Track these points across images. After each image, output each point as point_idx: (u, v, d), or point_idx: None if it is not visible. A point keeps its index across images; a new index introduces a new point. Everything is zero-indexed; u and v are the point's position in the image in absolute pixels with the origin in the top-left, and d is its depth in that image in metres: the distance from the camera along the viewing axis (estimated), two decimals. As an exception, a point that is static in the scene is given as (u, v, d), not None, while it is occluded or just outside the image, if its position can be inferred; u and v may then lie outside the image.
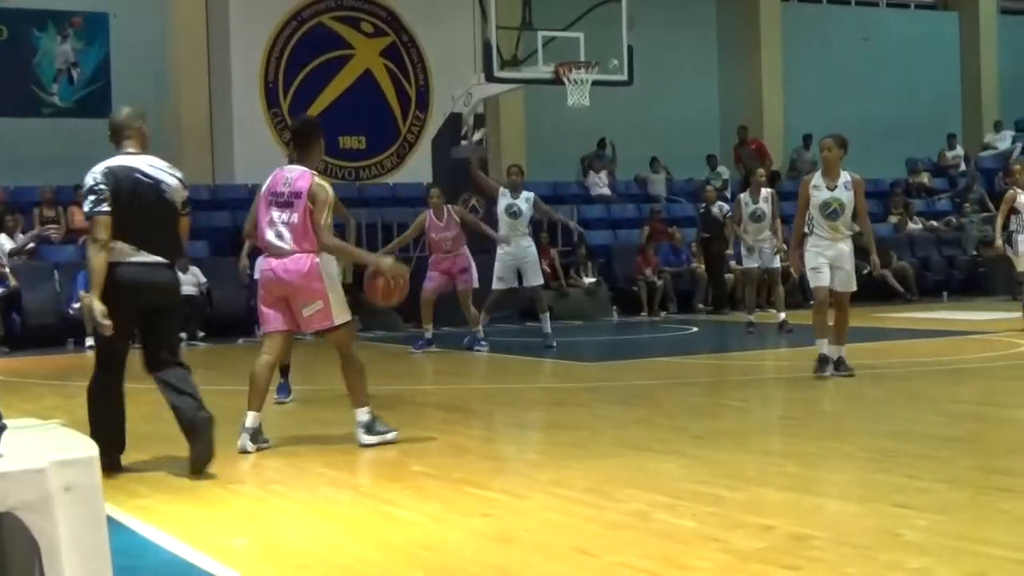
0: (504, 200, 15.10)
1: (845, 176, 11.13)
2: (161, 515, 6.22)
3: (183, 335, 18.01)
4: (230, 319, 18.15)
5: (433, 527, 5.86)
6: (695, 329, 18.04)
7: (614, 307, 20.92)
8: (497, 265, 15.12)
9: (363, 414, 8.08)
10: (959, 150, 27.93)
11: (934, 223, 25.31)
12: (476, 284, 15.15)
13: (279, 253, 8.02)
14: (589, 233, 22.35)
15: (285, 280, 8.00)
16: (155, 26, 22.69)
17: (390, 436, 8.07)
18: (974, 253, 24.35)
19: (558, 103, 19.16)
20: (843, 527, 5.59)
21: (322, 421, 9.81)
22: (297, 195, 7.99)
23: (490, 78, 18.91)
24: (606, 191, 24.49)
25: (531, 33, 19.12)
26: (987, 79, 29.65)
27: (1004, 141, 28.15)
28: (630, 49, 19.00)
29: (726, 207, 20.14)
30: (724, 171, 24.67)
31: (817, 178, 11.26)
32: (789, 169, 26.22)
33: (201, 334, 18.07)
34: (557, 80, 18.63)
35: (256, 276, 8.73)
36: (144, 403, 8.27)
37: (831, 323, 11.37)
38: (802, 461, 7.37)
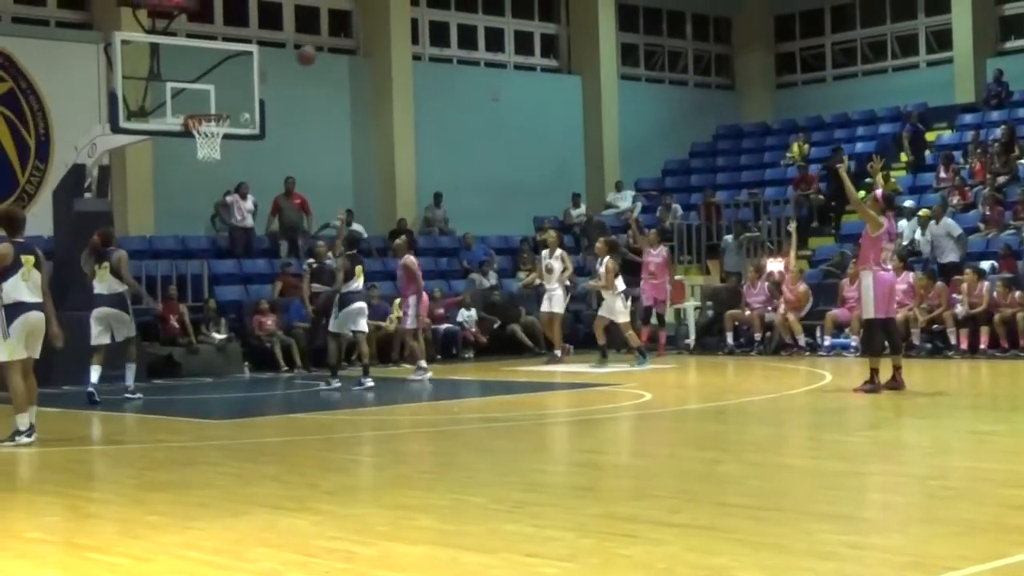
0: None
1: None
2: None
3: None
4: None
5: (49, 597, 5.54)
6: (324, 385, 17.69)
7: (246, 363, 20.51)
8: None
9: None
10: (583, 208, 28.98)
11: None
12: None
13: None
14: (220, 288, 21.95)
15: None
16: None
17: None
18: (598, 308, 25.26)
19: (189, 156, 18.69)
20: (475, 579, 5.60)
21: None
22: None
23: (116, 129, 18.24)
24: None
25: (160, 84, 18.62)
26: (608, 141, 30.90)
27: (625, 200, 29.41)
28: (262, 103, 18.78)
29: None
30: (360, 228, 24.47)
31: None
32: (424, 225, 26.52)
33: None
34: (186, 132, 18.20)
35: None
36: None
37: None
38: (435, 514, 7.37)
